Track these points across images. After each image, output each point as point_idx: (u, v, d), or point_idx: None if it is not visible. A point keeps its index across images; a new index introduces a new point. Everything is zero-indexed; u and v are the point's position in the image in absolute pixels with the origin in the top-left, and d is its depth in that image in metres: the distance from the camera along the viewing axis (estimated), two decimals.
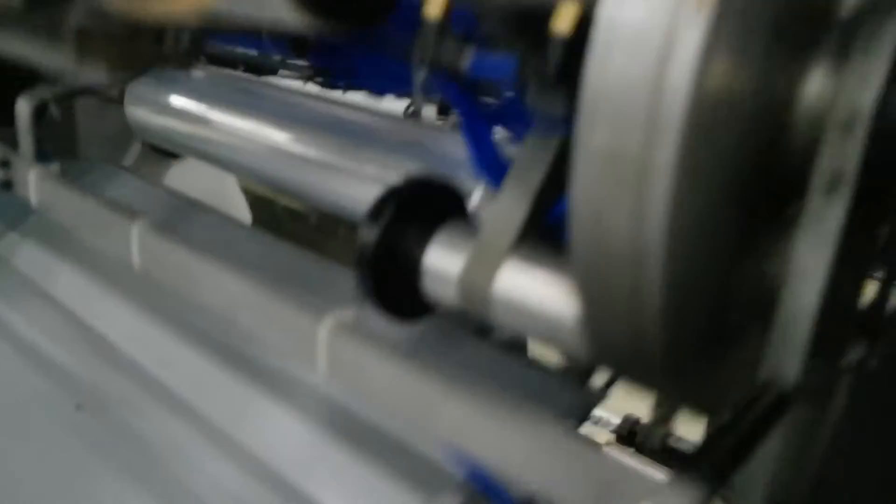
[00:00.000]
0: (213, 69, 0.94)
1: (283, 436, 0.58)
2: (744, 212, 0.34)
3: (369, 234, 0.46)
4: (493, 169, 0.48)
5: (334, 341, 0.37)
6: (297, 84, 1.06)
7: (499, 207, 0.42)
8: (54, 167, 0.58)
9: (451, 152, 0.64)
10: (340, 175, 0.73)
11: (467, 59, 0.35)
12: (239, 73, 1.01)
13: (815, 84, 0.34)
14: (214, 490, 0.54)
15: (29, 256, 0.88)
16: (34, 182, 0.58)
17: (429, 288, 0.45)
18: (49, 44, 0.34)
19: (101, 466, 0.57)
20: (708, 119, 0.27)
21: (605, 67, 0.28)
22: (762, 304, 0.38)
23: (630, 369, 0.37)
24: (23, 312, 0.79)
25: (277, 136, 0.79)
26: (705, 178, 0.30)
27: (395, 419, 0.34)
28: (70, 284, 0.80)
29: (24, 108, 0.61)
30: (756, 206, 0.35)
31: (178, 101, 0.92)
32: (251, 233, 0.85)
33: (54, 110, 0.61)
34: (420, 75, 0.53)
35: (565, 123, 0.40)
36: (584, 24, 0.30)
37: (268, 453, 0.56)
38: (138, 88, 0.95)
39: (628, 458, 0.28)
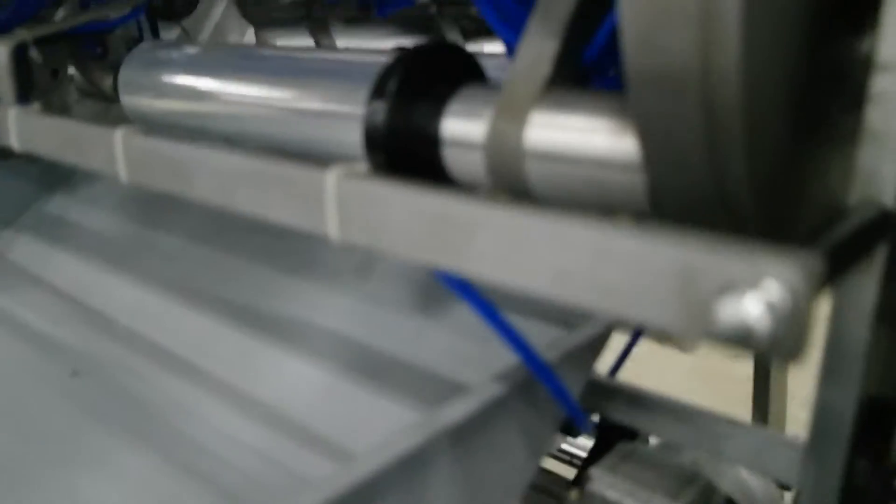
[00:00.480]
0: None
1: (288, 379, 0.52)
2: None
3: (376, 111, 0.40)
4: (515, 24, 0.43)
5: (343, 188, 0.31)
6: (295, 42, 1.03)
7: (524, 48, 0.37)
8: (35, 106, 0.53)
9: None
10: (342, 120, 0.68)
11: None
12: (227, 44, 0.98)
13: None
14: (220, 438, 0.48)
15: (23, 249, 0.84)
16: (14, 122, 0.53)
17: (451, 162, 0.40)
18: None
19: (101, 427, 0.51)
20: None
21: None
22: (850, 116, 0.32)
23: (698, 208, 0.31)
24: (18, 297, 0.74)
25: (272, 94, 0.75)
26: None
27: (424, 267, 0.28)
28: (62, 268, 0.76)
29: (1, 51, 0.57)
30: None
31: (174, 80, 0.88)
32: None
33: (35, 53, 0.57)
34: None
35: None
36: None
37: (271, 397, 0.50)
38: (129, 75, 0.92)
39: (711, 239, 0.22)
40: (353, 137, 0.67)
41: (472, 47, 0.94)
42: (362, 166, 0.33)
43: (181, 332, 0.62)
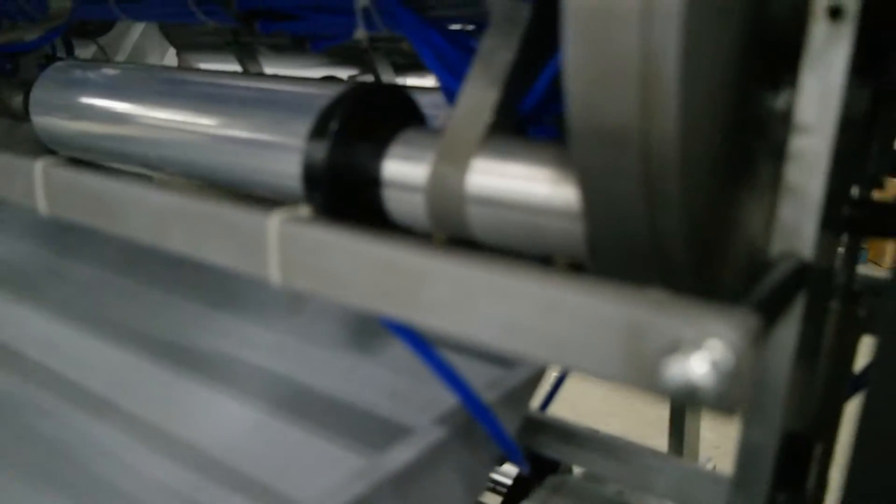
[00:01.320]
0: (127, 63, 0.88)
1: (214, 418, 0.50)
2: (750, 63, 0.31)
3: (316, 152, 0.40)
4: (456, 76, 0.44)
5: (287, 232, 0.31)
6: (221, 67, 1.01)
7: (464, 98, 0.37)
8: None
9: None
10: (279, 151, 0.67)
11: None
12: (152, 64, 0.95)
13: None
14: (141, 482, 0.46)
15: None
16: None
17: (392, 204, 0.40)
18: None
19: (10, 470, 0.48)
20: None
21: None
22: (771, 172, 0.34)
23: (634, 260, 0.32)
24: None
25: (204, 120, 0.73)
26: (712, 10, 0.27)
27: (369, 312, 0.28)
28: None
29: None
30: (761, 56, 0.32)
31: (90, 101, 0.84)
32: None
33: None
34: None
35: None
36: None
37: (196, 437, 0.49)
38: (41, 94, 0.87)
39: (657, 296, 0.23)
40: (283, 168, 0.66)
41: (402, 81, 0.95)
42: (305, 210, 0.32)
43: (97, 367, 0.59)
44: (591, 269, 0.38)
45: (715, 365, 0.20)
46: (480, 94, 0.37)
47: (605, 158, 0.28)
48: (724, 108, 0.29)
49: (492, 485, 1.20)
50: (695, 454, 0.88)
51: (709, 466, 0.68)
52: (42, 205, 0.42)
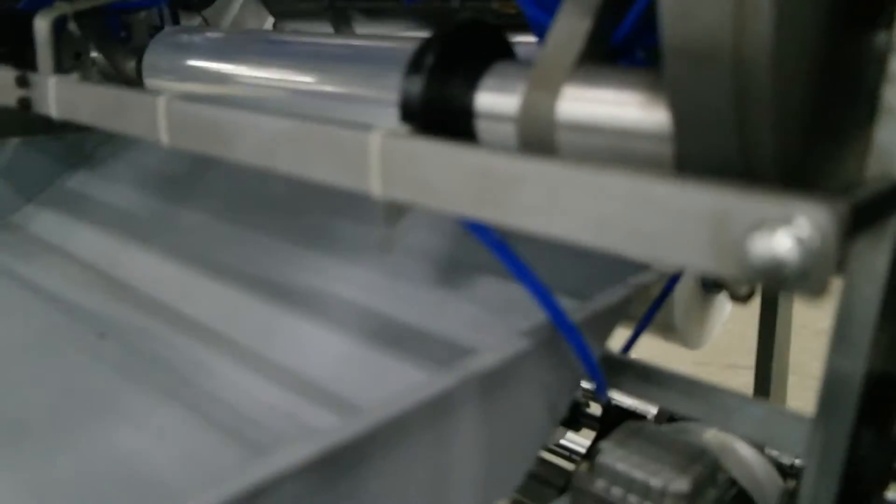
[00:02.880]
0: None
1: (311, 346, 0.53)
2: None
3: (412, 84, 0.42)
4: (548, 11, 0.45)
5: (387, 146, 0.33)
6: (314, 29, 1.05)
7: (556, 29, 0.38)
8: (73, 75, 0.55)
9: None
10: (374, 105, 0.69)
11: None
12: (256, 29, 1.00)
13: None
14: (246, 398, 0.50)
15: (45, 222, 0.86)
16: (53, 91, 0.55)
17: (484, 133, 0.42)
18: None
19: (129, 385, 0.53)
20: None
21: None
22: (866, 98, 0.34)
23: (727, 175, 0.32)
24: (42, 267, 0.76)
25: (305, 79, 0.76)
26: None
27: (464, 217, 0.30)
28: (86, 240, 0.77)
29: (41, 23, 0.58)
30: None
31: (196, 63, 0.90)
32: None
33: (73, 27, 0.59)
34: None
35: None
36: None
37: (296, 362, 0.52)
38: (153, 58, 0.93)
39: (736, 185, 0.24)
40: (381, 121, 0.69)
41: None
42: (403, 129, 0.34)
43: (202, 300, 0.63)
44: None
45: (800, 241, 0.21)
46: (573, 24, 0.38)
47: (698, 70, 0.29)
48: (818, 24, 0.29)
49: (566, 453, 1.21)
50: (782, 398, 0.87)
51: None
52: (164, 136, 0.45)
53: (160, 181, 0.84)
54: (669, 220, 0.25)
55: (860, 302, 0.35)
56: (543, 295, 0.38)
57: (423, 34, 1.00)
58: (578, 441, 1.17)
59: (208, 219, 0.74)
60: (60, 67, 0.55)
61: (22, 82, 0.58)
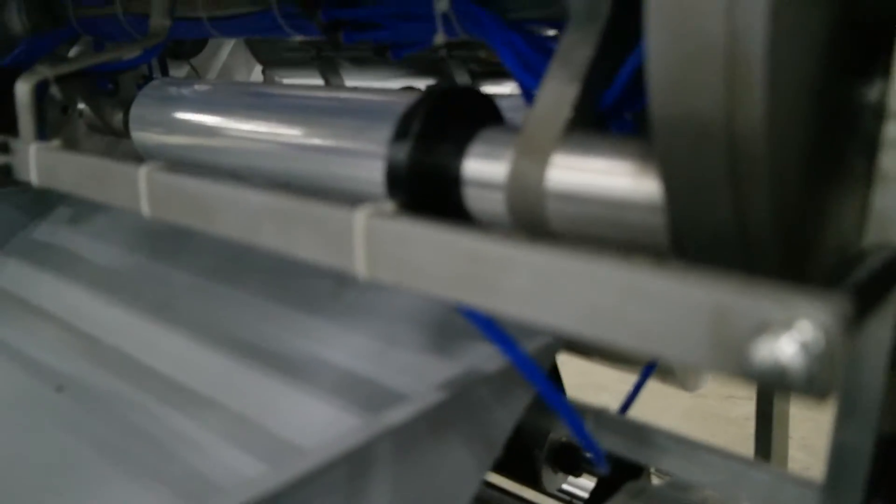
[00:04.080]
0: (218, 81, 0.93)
1: (292, 412, 0.52)
2: (839, 49, 0.30)
3: (399, 150, 0.41)
4: (536, 76, 0.44)
5: (372, 226, 0.32)
6: (304, 81, 1.05)
7: (544, 94, 0.38)
8: (55, 142, 0.54)
9: None
10: (361, 158, 0.68)
11: None
12: (243, 81, 1.00)
13: None
14: (209, 462, 0.48)
15: (11, 273, 0.85)
16: (34, 159, 0.54)
17: (473, 201, 0.41)
18: None
19: (84, 444, 0.51)
20: None
21: None
22: (864, 162, 0.33)
23: (719, 249, 0.32)
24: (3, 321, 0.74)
25: (292, 131, 0.75)
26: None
27: (451, 301, 0.29)
28: (51, 292, 0.76)
29: (22, 88, 0.58)
30: (850, 42, 0.31)
31: (183, 116, 0.89)
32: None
33: (55, 90, 0.58)
34: (441, 4, 0.51)
35: None
36: None
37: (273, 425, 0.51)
38: (140, 111, 0.93)
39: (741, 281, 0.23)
40: (367, 174, 0.68)
41: (481, 88, 0.96)
42: (389, 206, 0.33)
43: (189, 365, 0.62)
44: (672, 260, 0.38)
45: (805, 346, 0.20)
46: (559, 91, 0.37)
47: (689, 146, 0.28)
48: (814, 93, 0.28)
49: (567, 498, 1.19)
50: (783, 460, 0.85)
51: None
52: (146, 207, 0.44)
53: (128, 231, 0.83)
54: (666, 315, 0.24)
55: (866, 373, 0.34)
56: (533, 373, 0.36)
57: (411, 83, 1.00)
58: (581, 485, 1.15)
59: (197, 277, 0.72)
60: (45, 126, 0.55)
61: (3, 149, 0.57)
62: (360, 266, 0.33)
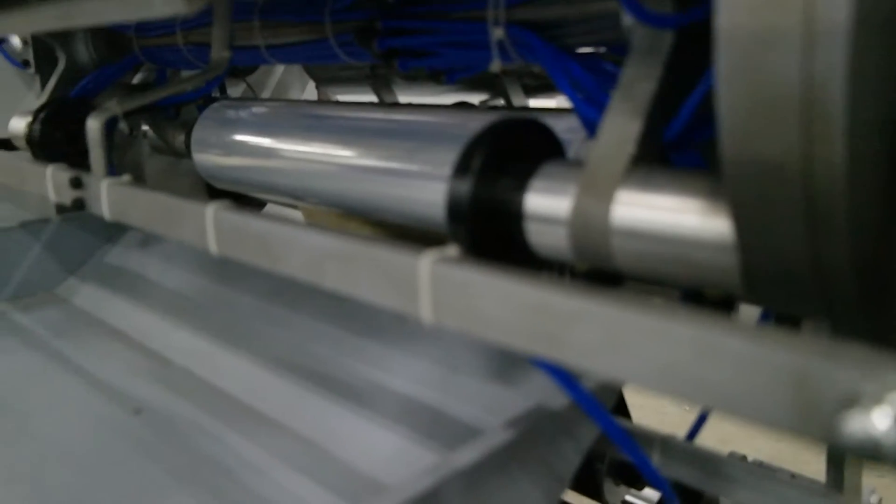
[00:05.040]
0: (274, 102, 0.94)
1: (359, 438, 0.52)
2: None
3: (460, 188, 0.41)
4: (594, 104, 0.43)
5: (438, 273, 0.32)
6: (359, 99, 1.06)
7: (606, 130, 0.37)
8: (125, 178, 0.56)
9: None
10: (419, 180, 0.68)
11: None
12: (297, 100, 1.02)
13: None
14: (275, 489, 0.49)
15: (87, 295, 0.89)
16: (105, 194, 0.56)
17: (534, 237, 0.40)
18: None
19: (158, 468, 0.53)
20: None
21: None
22: None
23: (797, 294, 0.30)
24: (82, 343, 0.77)
25: (348, 153, 0.76)
26: (882, 38, 0.25)
27: (518, 351, 0.28)
28: (124, 315, 0.79)
29: (93, 125, 0.60)
30: None
31: (242, 138, 0.91)
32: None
33: (123, 125, 0.60)
34: (497, 31, 0.50)
35: (675, 17, 0.36)
36: None
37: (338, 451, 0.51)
38: (201, 134, 0.95)
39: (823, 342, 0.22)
40: (426, 196, 0.68)
41: (533, 103, 0.95)
42: (453, 251, 0.33)
43: (257, 388, 0.63)
44: (745, 301, 0.37)
45: None
46: (622, 126, 0.37)
47: (763, 190, 0.27)
48: (891, 139, 0.27)
49: None
50: (856, 489, 0.82)
51: (873, 501, 0.63)
52: (213, 245, 0.46)
53: (200, 255, 0.85)
54: (745, 377, 0.23)
55: None
56: (594, 408, 0.36)
57: (464, 98, 1.00)
58: (645, 496, 1.13)
59: (247, 295, 0.74)
60: (112, 149, 0.57)
61: (76, 184, 0.59)
62: (425, 312, 0.33)
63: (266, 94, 1.33)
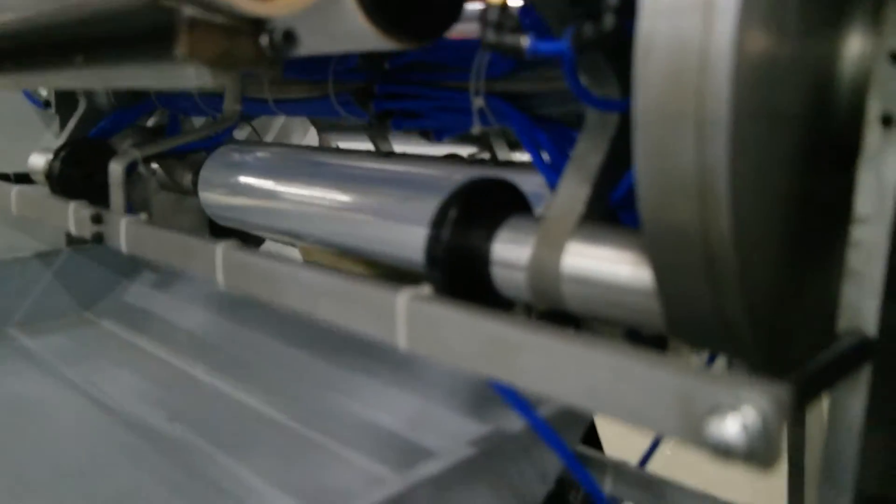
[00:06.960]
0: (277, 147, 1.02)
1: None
2: (805, 164, 0.36)
3: (438, 236, 0.48)
4: (554, 168, 0.51)
5: (412, 308, 0.38)
6: (358, 146, 1.13)
7: (562, 190, 0.44)
8: (143, 216, 0.62)
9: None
10: (404, 224, 0.75)
11: (526, 42, 0.38)
12: (299, 146, 1.10)
13: (856, 37, 0.36)
14: None
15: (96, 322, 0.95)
16: (124, 230, 0.63)
17: (499, 280, 0.47)
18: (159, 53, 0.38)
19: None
20: (753, 75, 0.29)
21: (653, 30, 0.31)
22: (833, 252, 0.38)
23: (706, 335, 0.37)
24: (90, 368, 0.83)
25: (343, 198, 0.83)
26: (761, 127, 0.32)
27: (477, 374, 0.35)
28: (140, 349, 0.85)
29: (115, 169, 0.67)
30: (816, 157, 0.36)
31: (246, 180, 0.98)
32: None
33: (143, 169, 0.67)
34: (478, 101, 0.58)
35: (620, 103, 0.43)
36: None
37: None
38: (208, 175, 1.02)
39: (696, 367, 0.28)
40: (410, 240, 0.75)
41: (515, 156, 1.03)
42: (426, 289, 0.40)
43: (252, 421, 0.69)
44: (671, 338, 0.43)
45: (745, 427, 0.25)
46: (574, 190, 0.44)
47: (674, 251, 0.34)
48: (779, 207, 0.34)
49: None
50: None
51: None
52: (221, 279, 0.52)
53: (212, 293, 0.91)
54: (646, 394, 0.29)
55: (842, 439, 0.39)
56: (552, 439, 0.42)
57: (453, 149, 1.08)
58: None
59: (253, 331, 0.80)
60: (131, 205, 0.63)
61: (97, 220, 0.66)
62: (401, 340, 0.39)
63: (269, 138, 1.40)
